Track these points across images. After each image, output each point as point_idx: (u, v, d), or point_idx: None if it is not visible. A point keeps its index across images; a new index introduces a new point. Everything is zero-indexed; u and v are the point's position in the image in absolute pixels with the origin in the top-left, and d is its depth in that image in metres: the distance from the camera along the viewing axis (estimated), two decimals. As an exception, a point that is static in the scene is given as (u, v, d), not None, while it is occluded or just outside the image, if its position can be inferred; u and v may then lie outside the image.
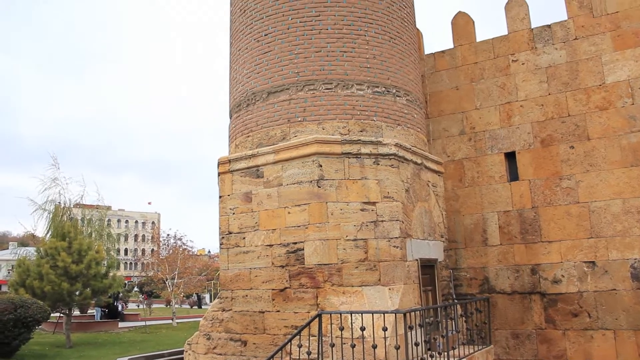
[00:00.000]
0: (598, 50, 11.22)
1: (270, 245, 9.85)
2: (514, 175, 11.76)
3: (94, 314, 35.44)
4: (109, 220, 37.83)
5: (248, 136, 10.71)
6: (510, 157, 11.83)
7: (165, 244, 37.09)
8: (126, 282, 56.09)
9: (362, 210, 9.49)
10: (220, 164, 10.85)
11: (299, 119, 10.10)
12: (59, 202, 27.89)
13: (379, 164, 9.71)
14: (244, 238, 10.26)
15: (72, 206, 29.00)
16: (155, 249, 46.74)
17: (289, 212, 9.71)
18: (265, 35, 10.75)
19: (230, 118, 11.63)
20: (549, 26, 11.88)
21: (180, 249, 35.89)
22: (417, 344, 7.79)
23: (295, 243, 9.56)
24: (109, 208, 35.25)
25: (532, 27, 12.03)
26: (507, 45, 12.20)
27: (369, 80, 10.32)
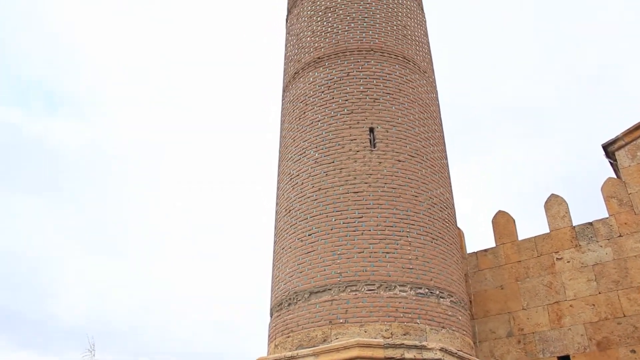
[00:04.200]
0: (645, 247, 11.06)
1: None
2: (570, 382, 10.99)
3: None
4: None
5: (288, 336, 10.50)
6: (565, 361, 11.17)
7: None
8: None
9: (407, 422, 8.86)
10: (258, 364, 10.54)
11: (341, 321, 9.92)
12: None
13: (424, 370, 9.26)
14: None
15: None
16: None
17: (329, 422, 9.14)
18: (309, 235, 11.02)
19: (271, 317, 11.52)
20: (590, 224, 11.88)
21: None
22: None
23: None
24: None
25: (573, 225, 12.05)
26: (550, 243, 12.15)
27: (412, 281, 10.26)
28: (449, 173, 12.83)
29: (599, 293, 11.20)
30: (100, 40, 59.10)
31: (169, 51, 60.22)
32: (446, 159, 12.89)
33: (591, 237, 11.74)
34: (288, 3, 15.85)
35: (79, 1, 57.52)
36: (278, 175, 13.08)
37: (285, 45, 15.11)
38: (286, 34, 15.34)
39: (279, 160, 13.24)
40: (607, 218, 11.75)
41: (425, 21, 15.13)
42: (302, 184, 11.71)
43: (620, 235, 11.42)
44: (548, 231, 12.32)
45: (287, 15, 15.53)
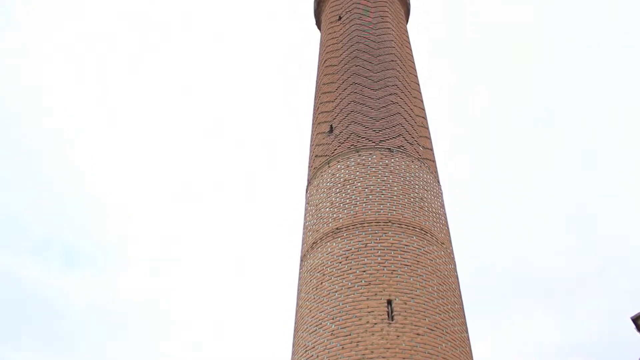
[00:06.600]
0: None
1: None
2: None
3: None
4: None
5: None
6: None
7: None
8: None
9: None
10: None
11: None
12: None
13: None
14: None
15: None
16: None
17: None
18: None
19: None
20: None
21: None
22: None
23: None
24: None
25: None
26: None
27: None
28: (470, 347, 12.35)
29: None
30: (121, 194, 61.05)
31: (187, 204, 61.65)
32: (467, 332, 12.49)
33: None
34: (308, 174, 16.54)
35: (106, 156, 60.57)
36: (293, 347, 12.70)
37: (304, 215, 15.49)
38: (305, 204, 15.80)
39: (294, 331, 12.94)
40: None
41: (441, 193, 15.54)
42: (318, 356, 11.31)
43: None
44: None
45: (307, 186, 16.12)
